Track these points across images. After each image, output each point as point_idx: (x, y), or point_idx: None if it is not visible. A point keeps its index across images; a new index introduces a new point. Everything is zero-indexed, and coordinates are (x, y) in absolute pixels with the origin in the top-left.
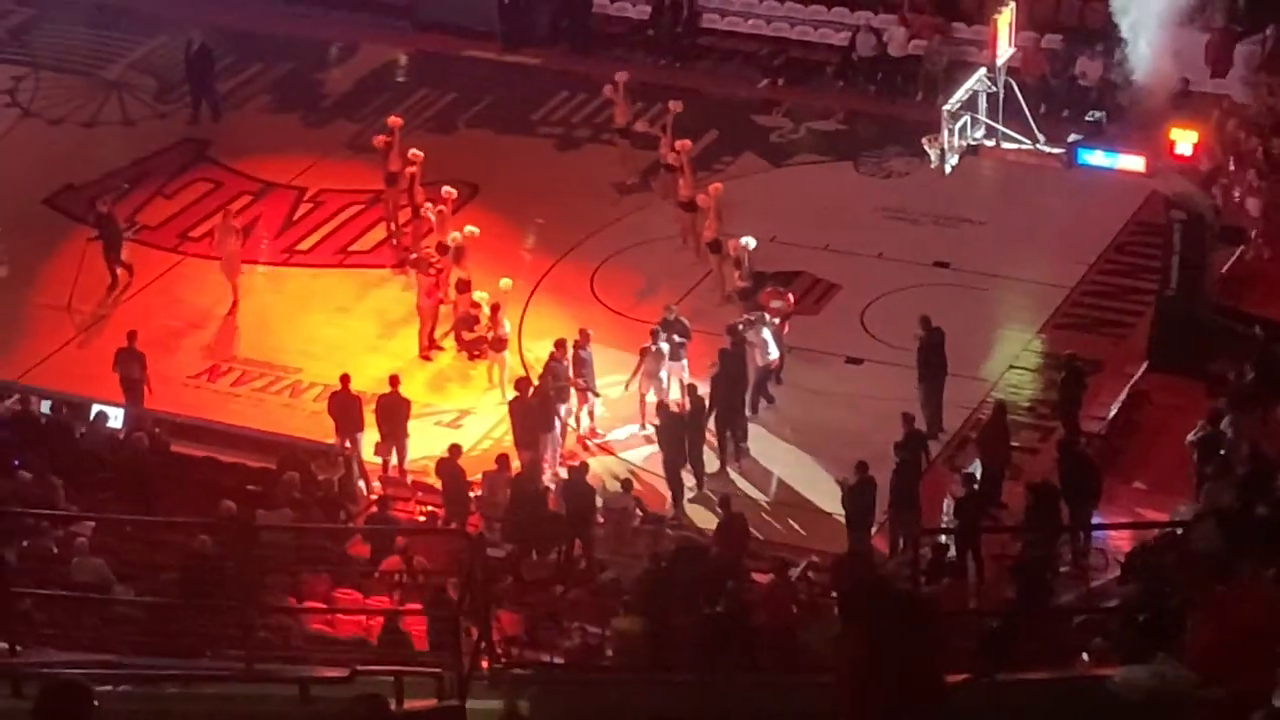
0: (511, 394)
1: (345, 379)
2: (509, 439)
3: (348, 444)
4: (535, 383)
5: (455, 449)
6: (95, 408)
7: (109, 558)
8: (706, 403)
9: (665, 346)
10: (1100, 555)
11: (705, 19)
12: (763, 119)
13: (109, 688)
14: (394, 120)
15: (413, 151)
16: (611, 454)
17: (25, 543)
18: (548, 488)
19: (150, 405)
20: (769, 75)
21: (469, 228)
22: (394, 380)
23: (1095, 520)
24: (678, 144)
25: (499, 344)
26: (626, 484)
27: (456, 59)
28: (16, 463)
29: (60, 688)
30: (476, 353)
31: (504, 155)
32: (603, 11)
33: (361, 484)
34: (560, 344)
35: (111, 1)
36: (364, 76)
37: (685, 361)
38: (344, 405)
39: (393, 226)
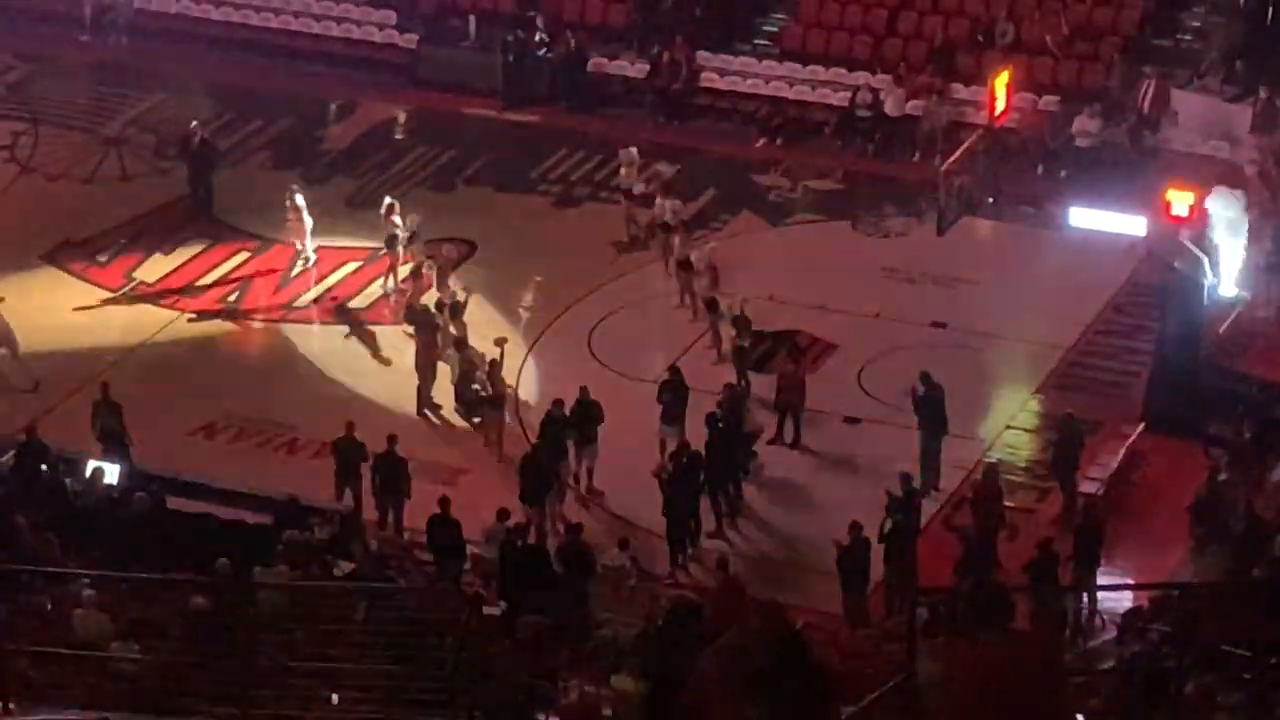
0: (511, 450)
1: (350, 426)
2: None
3: (346, 499)
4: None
5: (445, 502)
6: (91, 464)
7: (105, 615)
8: (702, 462)
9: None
10: (1096, 616)
11: (703, 78)
12: (761, 178)
13: None
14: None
15: (412, 217)
16: (610, 512)
17: (20, 599)
18: (543, 546)
19: (147, 461)
20: (767, 135)
21: (464, 288)
22: (391, 439)
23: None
24: (670, 205)
25: (496, 401)
26: (623, 543)
27: (456, 116)
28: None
29: None
30: (474, 411)
31: (502, 213)
32: (601, 70)
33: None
34: (559, 402)
35: (111, 59)
36: (363, 133)
37: (678, 425)
38: (347, 453)
39: (391, 283)
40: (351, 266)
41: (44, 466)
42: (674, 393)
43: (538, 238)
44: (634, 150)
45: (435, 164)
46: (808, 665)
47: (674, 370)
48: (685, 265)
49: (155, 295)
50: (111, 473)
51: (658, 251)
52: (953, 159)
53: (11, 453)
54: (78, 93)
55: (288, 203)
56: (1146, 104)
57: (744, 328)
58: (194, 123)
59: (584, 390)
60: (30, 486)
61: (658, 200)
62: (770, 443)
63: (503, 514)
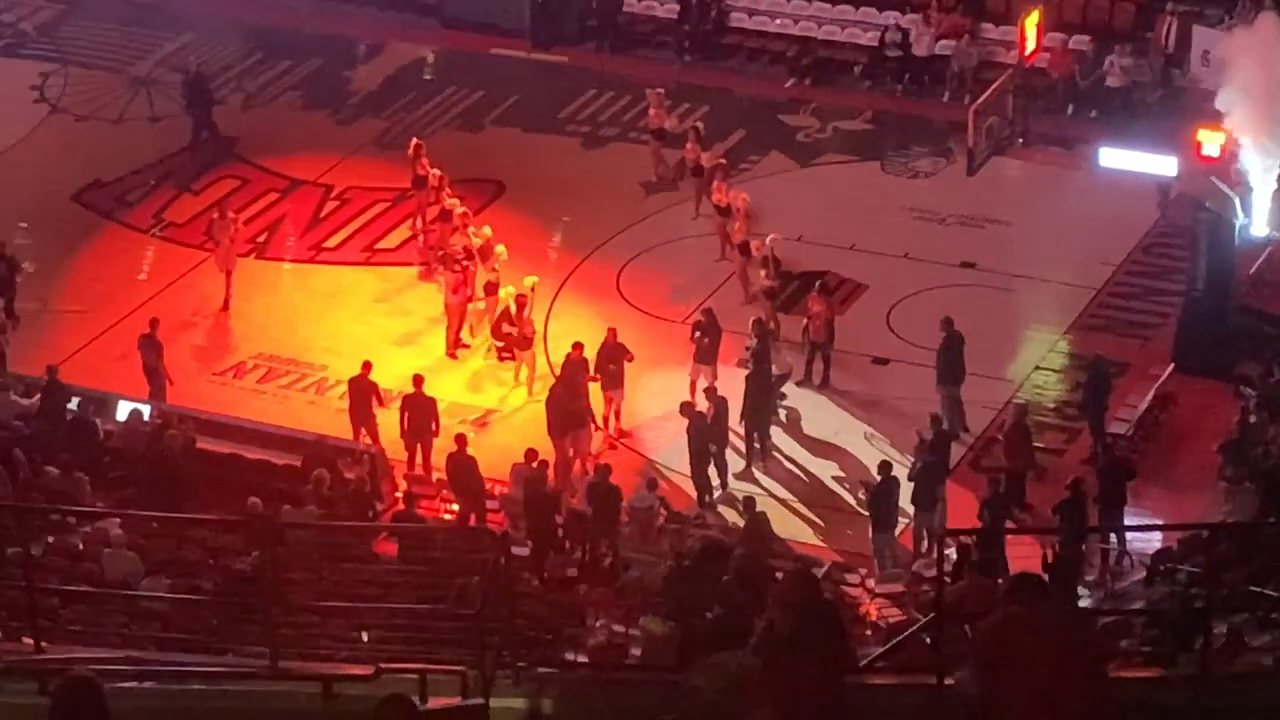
0: (541, 390)
1: (366, 365)
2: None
3: (369, 440)
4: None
5: (461, 439)
6: (121, 404)
7: (135, 554)
8: (729, 404)
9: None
10: (1126, 557)
11: (733, 18)
12: (790, 118)
13: (133, 684)
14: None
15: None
16: (638, 453)
17: (51, 539)
18: (568, 486)
19: (176, 401)
20: (796, 75)
21: (485, 228)
22: (418, 380)
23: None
24: (709, 154)
25: (524, 342)
26: (651, 483)
27: (484, 56)
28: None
29: (73, 683)
30: (506, 354)
31: (531, 153)
32: (631, 10)
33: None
34: (578, 345)
35: None
36: (391, 74)
37: (715, 364)
38: (361, 392)
39: (419, 224)
40: (379, 207)
41: (71, 406)
42: (707, 333)
43: (566, 178)
44: (662, 90)
45: (463, 104)
46: (831, 631)
47: (707, 311)
48: (724, 210)
49: (184, 236)
50: (142, 412)
51: (690, 193)
52: (982, 99)
53: (38, 395)
54: (107, 33)
55: (217, 215)
56: (1170, 43)
57: (773, 268)
58: (192, 57)
59: (612, 332)
60: (56, 427)
61: (689, 145)
62: (799, 384)
63: (530, 454)
